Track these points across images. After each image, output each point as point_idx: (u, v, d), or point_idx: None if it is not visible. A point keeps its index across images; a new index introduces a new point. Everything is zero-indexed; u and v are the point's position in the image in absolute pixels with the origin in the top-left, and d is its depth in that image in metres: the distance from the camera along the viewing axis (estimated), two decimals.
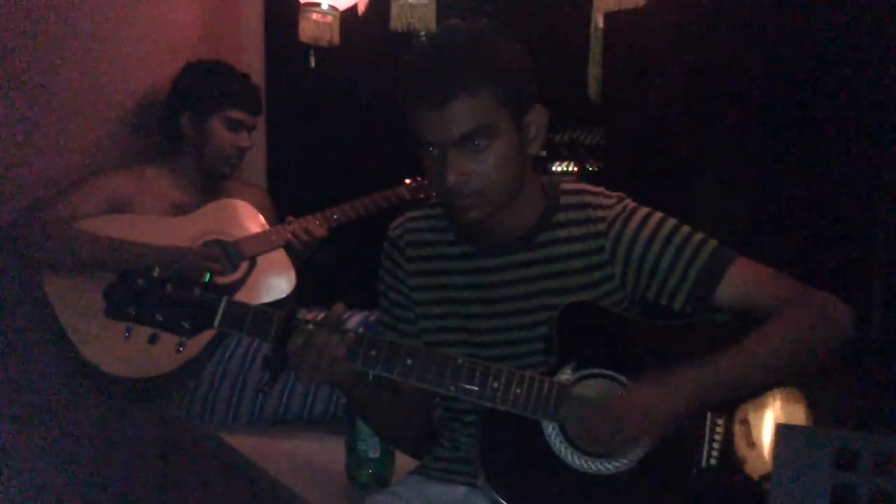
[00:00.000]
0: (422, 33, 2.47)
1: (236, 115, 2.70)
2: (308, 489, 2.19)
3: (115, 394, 2.57)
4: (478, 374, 1.62)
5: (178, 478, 2.70)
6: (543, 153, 3.14)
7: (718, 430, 1.64)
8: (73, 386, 2.61)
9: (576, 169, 4.09)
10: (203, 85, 2.69)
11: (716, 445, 1.63)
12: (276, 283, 2.64)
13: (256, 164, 3.17)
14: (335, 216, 2.75)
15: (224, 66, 2.76)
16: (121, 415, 2.80)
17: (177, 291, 1.68)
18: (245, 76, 2.78)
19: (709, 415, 1.63)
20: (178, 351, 1.69)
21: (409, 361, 1.63)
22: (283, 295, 2.65)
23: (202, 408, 2.57)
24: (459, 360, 1.63)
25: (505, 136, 1.62)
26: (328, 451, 2.30)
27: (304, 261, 2.74)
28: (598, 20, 2.08)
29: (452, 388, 1.63)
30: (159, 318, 1.68)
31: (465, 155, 1.61)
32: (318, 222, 2.73)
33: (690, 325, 1.72)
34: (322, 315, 1.68)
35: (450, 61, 1.59)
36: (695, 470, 1.62)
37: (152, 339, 1.71)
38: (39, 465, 2.81)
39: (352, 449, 2.17)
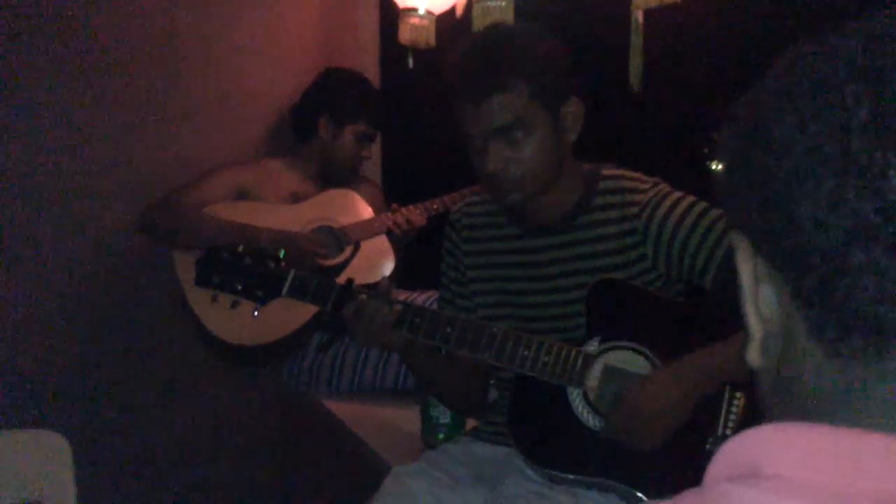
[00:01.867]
0: None
1: (368, 129, 2.98)
2: (390, 451, 2.42)
3: (232, 361, 2.89)
4: (510, 342, 1.80)
5: (287, 436, 2.98)
6: (706, 150, 3.17)
7: (736, 402, 1.73)
8: (198, 355, 2.93)
9: None
10: (346, 94, 2.96)
11: (733, 416, 1.73)
12: (377, 266, 2.86)
13: (372, 159, 3.42)
14: (435, 206, 2.95)
15: (365, 80, 3.04)
16: (239, 381, 3.12)
17: (254, 264, 1.93)
18: (379, 92, 3.04)
19: (727, 386, 1.74)
20: (253, 316, 1.94)
21: (448, 329, 1.82)
22: (383, 277, 2.87)
23: (308, 378, 2.84)
24: (494, 330, 1.81)
25: (541, 128, 1.77)
26: (411, 418, 2.51)
27: (404, 246, 2.95)
28: (639, 16, 2.19)
29: (486, 354, 1.81)
30: (238, 286, 1.92)
31: (503, 145, 1.77)
32: (418, 211, 2.93)
33: (715, 303, 1.82)
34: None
35: (488, 59, 1.75)
36: (711, 439, 1.73)
37: (234, 305, 1.96)
38: (174, 426, 3.15)
39: (425, 415, 2.38)
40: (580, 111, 1.84)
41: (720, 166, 0.63)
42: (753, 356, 0.61)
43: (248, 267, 1.92)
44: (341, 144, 2.97)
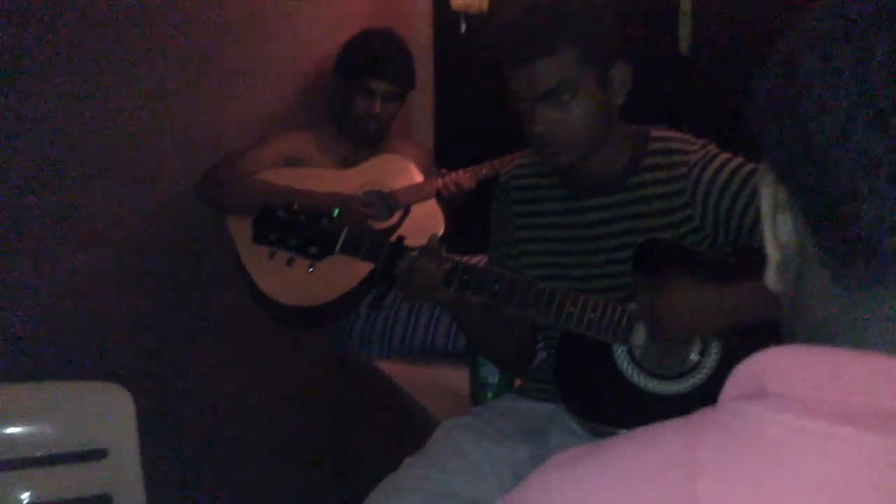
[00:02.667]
0: None
1: (373, 83, 2.91)
2: (440, 410, 2.47)
3: (287, 323, 2.96)
4: (556, 299, 1.84)
5: (341, 397, 3.05)
6: None
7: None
8: (255, 317, 3.00)
9: None
10: (351, 53, 2.98)
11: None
12: (426, 229, 2.89)
13: (425, 124, 3.46)
14: (484, 170, 2.98)
15: (373, 37, 2.99)
16: (295, 343, 3.19)
17: (308, 221, 1.99)
18: (391, 47, 2.97)
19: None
20: (308, 272, 2.00)
21: (496, 286, 1.86)
22: (433, 235, 2.91)
23: (360, 338, 2.91)
24: (541, 287, 1.85)
25: (588, 91, 1.80)
26: (460, 378, 2.56)
27: (454, 210, 3.00)
28: None
29: (533, 310, 1.85)
30: (293, 242, 1.99)
31: (551, 108, 1.79)
32: (467, 175, 2.97)
33: (761, 262, 1.84)
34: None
35: (535, 23, 1.78)
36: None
37: (289, 262, 2.03)
38: (228, 384, 3.24)
39: (474, 375, 2.42)
40: (628, 75, 1.86)
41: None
42: (771, 280, 0.66)
43: (303, 224, 1.98)
44: (348, 102, 2.97)
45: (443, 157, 3.26)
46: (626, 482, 0.57)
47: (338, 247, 1.96)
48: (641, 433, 0.61)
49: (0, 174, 2.90)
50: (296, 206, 2.00)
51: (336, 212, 1.99)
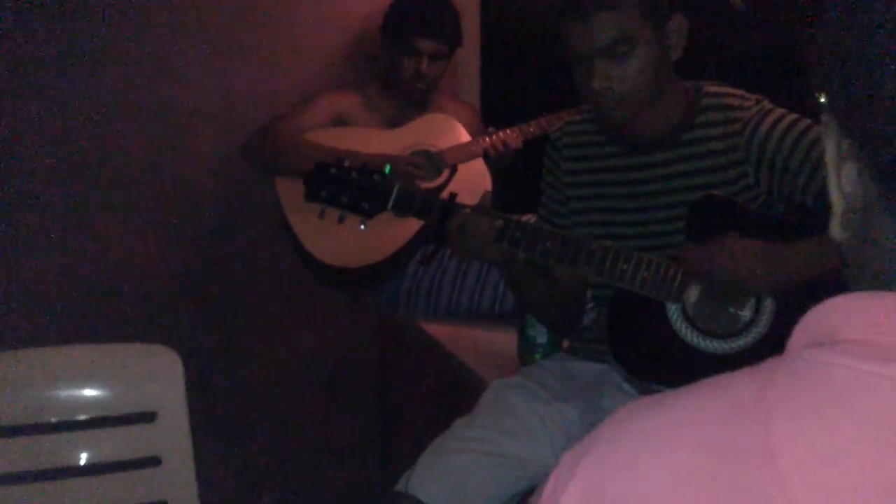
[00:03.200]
0: None
1: (419, 43, 2.86)
2: (488, 370, 2.45)
3: (334, 284, 2.95)
4: (609, 257, 1.81)
5: (389, 358, 3.05)
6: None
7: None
8: (302, 279, 3.00)
9: None
10: (398, 12, 2.93)
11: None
12: (474, 188, 2.87)
13: (471, 83, 3.42)
14: (531, 129, 2.94)
15: None
16: (342, 305, 3.19)
17: (360, 178, 1.96)
18: (436, 7, 2.92)
19: None
20: (360, 229, 1.98)
21: (548, 244, 1.84)
22: (485, 192, 2.89)
23: (406, 300, 2.89)
24: (594, 245, 1.82)
25: (646, 45, 1.76)
26: (507, 340, 2.54)
27: (501, 169, 2.96)
28: None
29: (585, 268, 1.82)
30: (345, 199, 1.96)
31: (609, 63, 1.76)
32: (514, 134, 2.93)
33: (817, 220, 1.80)
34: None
35: None
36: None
37: (341, 219, 2.01)
38: (276, 348, 3.25)
39: (522, 335, 2.40)
40: (684, 27, 1.82)
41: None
42: (835, 230, 0.64)
43: (355, 181, 1.96)
44: (393, 62, 2.93)
45: (489, 115, 3.23)
46: (695, 424, 0.57)
47: (390, 203, 1.94)
48: (710, 382, 0.61)
49: (37, 134, 2.91)
50: (347, 163, 1.98)
51: (387, 168, 1.98)
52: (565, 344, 2.34)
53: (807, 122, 1.81)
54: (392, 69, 2.94)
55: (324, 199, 1.98)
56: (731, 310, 1.80)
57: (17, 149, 2.90)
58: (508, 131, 2.93)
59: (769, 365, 0.59)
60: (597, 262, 1.81)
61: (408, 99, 2.98)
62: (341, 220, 2.01)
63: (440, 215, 1.90)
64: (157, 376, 1.99)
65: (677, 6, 1.82)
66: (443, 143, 2.94)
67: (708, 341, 1.77)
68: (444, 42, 2.92)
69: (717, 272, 1.71)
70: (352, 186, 1.96)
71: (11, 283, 2.89)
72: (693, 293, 1.78)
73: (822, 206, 1.74)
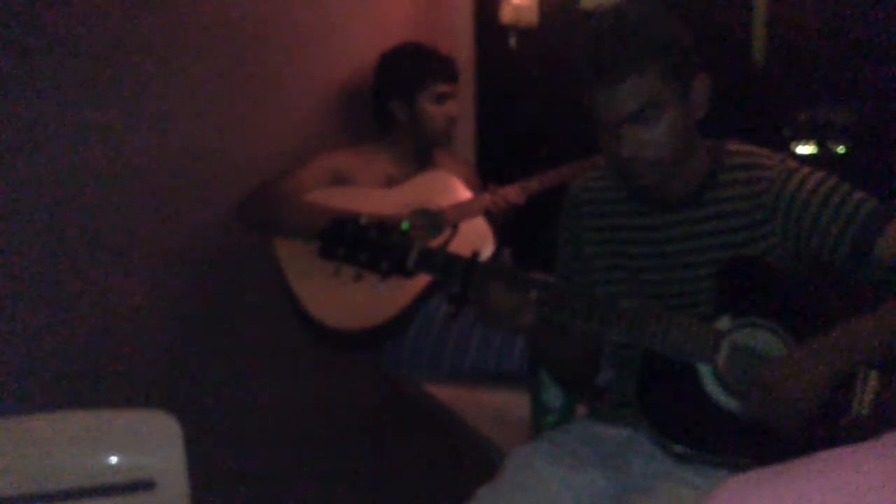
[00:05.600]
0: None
1: (440, 88, 2.92)
2: (497, 434, 2.40)
3: (334, 346, 2.89)
4: (639, 318, 1.76)
5: (388, 420, 2.98)
6: (786, 133, 3.10)
7: (871, 381, 1.69)
8: (299, 340, 2.93)
9: (817, 150, 3.86)
10: (403, 70, 2.94)
11: (868, 396, 1.69)
12: (475, 246, 2.82)
13: (466, 138, 3.39)
14: (532, 185, 2.92)
15: (415, 47, 2.99)
16: (340, 365, 3.13)
17: (379, 236, 1.91)
18: (435, 50, 2.98)
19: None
20: (377, 288, 1.92)
21: (576, 305, 1.79)
22: (483, 258, 2.85)
23: (408, 361, 2.83)
24: (622, 305, 1.78)
25: (673, 107, 1.74)
26: (516, 402, 2.48)
27: (503, 226, 2.93)
28: None
29: (614, 329, 1.77)
30: (363, 258, 1.90)
31: (637, 129, 1.73)
32: (515, 191, 2.91)
33: (846, 280, 1.78)
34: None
35: (617, 44, 1.70)
36: (845, 418, 1.69)
37: (358, 277, 1.95)
38: (278, 410, 3.18)
39: (536, 398, 2.34)
40: (708, 86, 1.81)
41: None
42: None
43: (373, 239, 1.90)
44: (422, 116, 2.93)
45: (484, 172, 3.21)
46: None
47: (410, 262, 1.88)
48: (828, 458, 0.58)
49: (35, 199, 2.85)
50: (364, 221, 1.92)
51: (405, 226, 1.92)
52: (580, 409, 2.31)
53: (834, 178, 1.79)
54: (420, 123, 2.94)
55: (340, 258, 1.92)
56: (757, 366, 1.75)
57: (11, 208, 2.83)
58: (509, 188, 2.91)
59: (893, 440, 0.55)
60: (626, 323, 1.77)
61: (435, 145, 3.00)
62: (358, 278, 1.96)
63: (463, 275, 1.85)
64: (157, 444, 1.92)
65: (699, 62, 1.80)
66: (442, 200, 2.90)
67: (743, 404, 1.72)
68: (457, 80, 2.97)
69: (789, 417, 1.67)
70: (370, 244, 1.91)
71: (4, 345, 2.80)
72: (724, 354, 1.74)
73: (852, 265, 1.75)
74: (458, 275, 1.85)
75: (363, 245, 1.90)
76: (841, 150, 3.52)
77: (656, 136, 1.73)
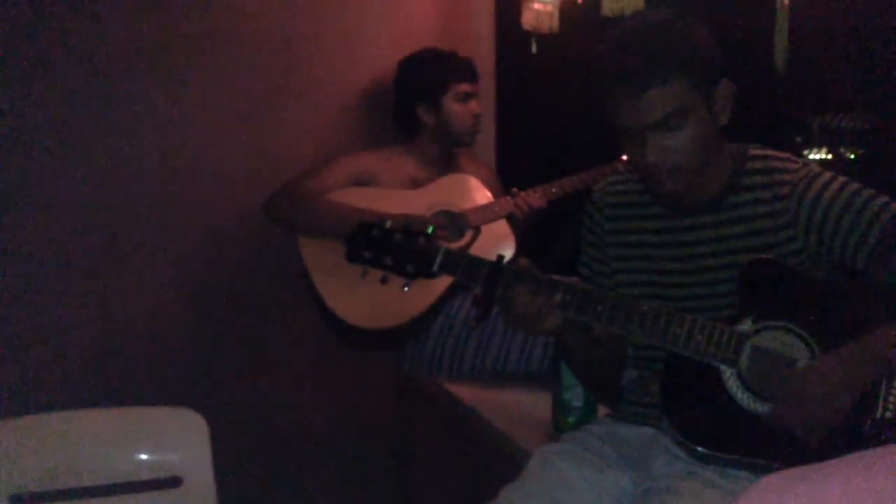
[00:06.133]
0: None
1: (462, 87, 2.99)
2: (519, 434, 2.43)
3: (357, 345, 2.93)
4: (662, 320, 1.79)
5: (410, 420, 3.01)
6: (798, 139, 3.12)
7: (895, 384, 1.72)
8: (323, 339, 2.97)
9: (830, 156, 3.87)
10: (425, 75, 3.00)
11: (893, 399, 1.71)
12: (497, 250, 2.86)
13: (487, 143, 3.43)
14: (554, 189, 2.95)
15: (433, 51, 3.05)
16: (362, 364, 3.16)
17: (404, 240, 1.94)
18: (453, 52, 3.04)
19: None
20: (403, 291, 1.95)
21: (599, 308, 1.81)
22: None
23: (430, 360, 2.86)
24: (645, 308, 1.80)
25: (697, 115, 1.76)
26: (538, 401, 2.52)
27: (525, 230, 2.96)
28: None
29: (638, 331, 1.80)
30: (388, 261, 1.94)
31: (662, 136, 1.75)
32: (538, 195, 2.94)
33: (867, 283, 1.80)
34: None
35: (641, 53, 1.73)
36: (869, 421, 1.70)
37: (383, 280, 1.98)
38: (301, 408, 3.22)
39: (558, 398, 2.38)
40: (731, 92, 1.83)
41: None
42: None
43: (399, 242, 1.93)
44: (448, 117, 3.00)
45: (504, 177, 3.24)
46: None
47: (436, 266, 1.91)
48: (857, 460, 0.59)
49: (58, 201, 2.89)
50: (390, 224, 1.95)
51: (430, 229, 1.95)
52: (601, 410, 2.33)
53: (856, 183, 1.81)
54: (447, 124, 3.00)
55: (367, 261, 1.96)
56: (784, 373, 1.78)
57: (33, 210, 2.86)
58: (531, 192, 2.94)
59: None
60: (649, 325, 1.79)
61: (464, 145, 3.07)
62: (384, 281, 1.99)
63: (487, 278, 1.88)
64: (183, 442, 1.95)
65: (722, 69, 1.82)
66: (465, 203, 2.94)
67: (763, 405, 1.74)
68: (477, 79, 3.05)
69: (809, 427, 1.70)
70: (396, 248, 1.94)
71: (32, 346, 2.84)
72: (746, 357, 1.76)
73: (875, 268, 1.76)
74: (482, 278, 1.88)
75: (389, 249, 1.93)
76: (853, 156, 3.54)
77: (681, 144, 1.76)
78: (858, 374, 1.67)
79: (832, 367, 1.68)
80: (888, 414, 1.71)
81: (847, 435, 1.71)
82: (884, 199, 1.79)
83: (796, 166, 1.86)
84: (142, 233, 3.01)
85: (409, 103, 3.02)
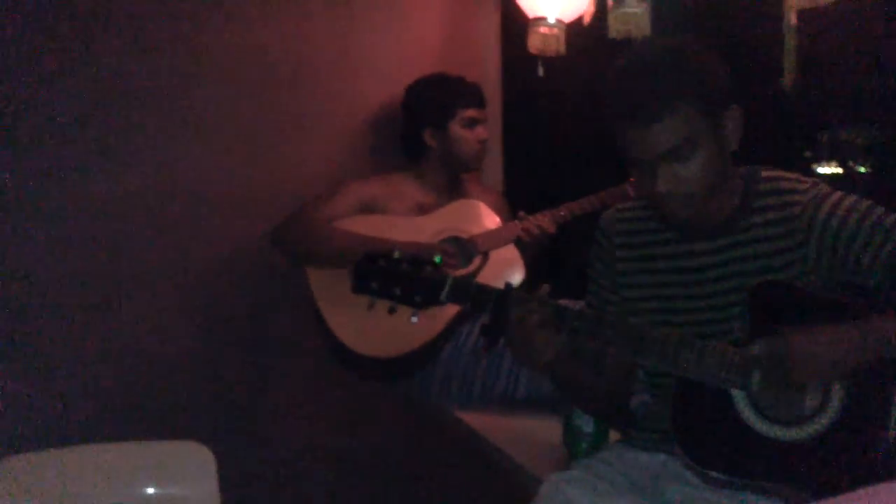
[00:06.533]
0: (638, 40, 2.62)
1: (469, 113, 2.99)
2: (531, 460, 2.40)
3: (365, 375, 2.90)
4: (672, 345, 1.76)
5: (419, 449, 2.98)
6: (808, 154, 3.10)
7: None
8: (330, 369, 2.95)
9: (840, 170, 3.84)
10: (432, 99, 3.00)
11: None
12: (506, 275, 2.85)
13: (494, 167, 3.42)
14: (562, 213, 2.93)
15: (440, 76, 3.06)
16: (370, 393, 3.13)
17: (412, 269, 1.92)
18: (461, 78, 3.05)
19: None
20: (411, 321, 1.93)
21: (609, 332, 1.79)
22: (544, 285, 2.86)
23: (439, 388, 2.84)
24: (655, 333, 1.78)
25: (706, 142, 1.74)
26: (549, 427, 2.49)
27: (534, 255, 2.93)
28: (792, 18, 2.15)
29: (648, 356, 1.77)
30: (396, 291, 1.92)
31: (671, 166, 1.74)
32: (546, 219, 2.92)
33: (877, 303, 1.77)
34: None
35: (648, 85, 1.72)
36: (883, 441, 1.68)
37: (391, 310, 1.96)
38: (311, 438, 3.19)
39: (569, 424, 2.35)
40: (740, 117, 1.81)
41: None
42: None
43: (406, 273, 1.92)
44: (454, 142, 3.00)
45: (511, 201, 3.22)
46: None
47: (443, 295, 1.89)
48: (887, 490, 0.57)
49: (62, 227, 2.88)
50: (397, 255, 1.93)
51: (438, 259, 1.93)
52: (612, 434, 2.30)
53: (866, 202, 1.79)
54: (453, 149, 3.00)
55: (374, 292, 1.94)
56: (797, 395, 1.75)
57: (38, 236, 2.85)
58: (540, 216, 2.92)
59: None
60: (659, 351, 1.77)
61: (469, 171, 3.06)
62: (392, 311, 1.96)
63: (496, 304, 1.85)
64: (191, 475, 1.94)
65: (732, 95, 1.80)
66: (473, 228, 2.92)
67: (777, 429, 1.71)
68: (485, 105, 3.04)
69: (793, 371, 1.67)
70: (403, 278, 1.92)
71: (36, 380, 2.83)
72: (757, 379, 1.74)
73: (888, 287, 1.74)
74: (490, 306, 1.86)
75: (396, 279, 1.91)
76: (863, 169, 3.52)
77: (691, 172, 1.74)
78: (850, 342, 1.66)
79: (822, 329, 1.68)
80: None
81: (859, 456, 1.69)
82: (894, 217, 1.77)
83: (806, 186, 1.84)
84: (146, 262, 2.99)
85: (416, 127, 3.02)
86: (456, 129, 2.97)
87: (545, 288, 1.85)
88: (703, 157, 1.74)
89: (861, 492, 0.58)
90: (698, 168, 1.74)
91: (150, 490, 1.91)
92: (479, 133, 3.01)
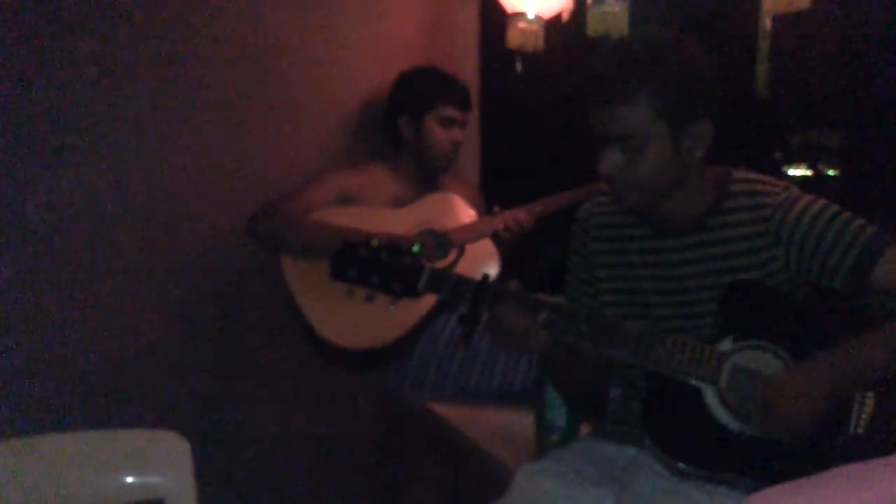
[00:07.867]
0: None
1: (448, 112, 2.98)
2: (503, 452, 2.43)
3: (341, 365, 2.91)
4: (644, 339, 1.80)
5: (392, 440, 3.00)
6: (778, 155, 3.15)
7: (867, 401, 1.74)
8: (305, 359, 2.96)
9: (810, 173, 3.92)
10: (416, 89, 2.99)
11: (864, 416, 1.73)
12: (482, 269, 2.87)
13: (470, 161, 3.44)
14: (538, 208, 2.95)
15: (433, 70, 3.05)
16: (346, 384, 3.15)
17: (390, 258, 1.94)
18: (452, 76, 3.04)
19: None
20: (389, 309, 1.95)
21: (583, 326, 1.82)
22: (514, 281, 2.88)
23: (413, 381, 2.86)
24: (629, 327, 1.82)
25: (658, 146, 1.78)
26: (521, 420, 2.51)
27: (509, 250, 2.96)
28: (767, 23, 2.19)
29: (621, 350, 1.81)
30: (374, 279, 1.94)
31: (619, 152, 1.79)
32: (522, 214, 2.94)
33: (845, 305, 1.82)
34: None
35: (624, 67, 1.76)
36: (842, 438, 1.73)
37: (369, 298, 1.98)
38: (286, 429, 3.20)
39: (541, 417, 2.37)
40: (708, 132, 1.83)
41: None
42: None
43: (384, 261, 1.94)
44: (426, 136, 2.99)
45: (488, 195, 3.24)
46: None
47: (421, 285, 1.92)
48: (844, 474, 0.61)
49: (39, 218, 2.87)
50: (376, 243, 1.95)
51: (416, 248, 1.95)
52: (583, 427, 2.33)
53: (835, 207, 1.84)
54: (424, 143, 2.99)
55: (352, 279, 1.95)
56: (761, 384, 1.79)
57: (14, 228, 2.84)
58: (516, 211, 2.94)
59: None
60: (632, 345, 1.80)
61: (437, 171, 3.03)
62: (370, 298, 1.98)
63: (473, 296, 1.88)
64: (166, 464, 1.94)
65: (708, 111, 1.82)
66: (449, 222, 2.94)
67: (744, 424, 1.76)
68: (468, 109, 3.02)
69: (782, 428, 1.71)
70: (382, 266, 1.94)
71: (12, 369, 2.82)
72: (725, 375, 1.78)
73: (852, 290, 1.78)
74: (468, 297, 1.88)
75: (375, 267, 1.93)
76: (832, 172, 3.58)
77: (636, 165, 1.79)
78: (829, 385, 1.68)
79: (803, 377, 1.70)
80: (860, 431, 1.73)
81: (821, 452, 1.73)
82: (860, 222, 1.81)
83: (778, 189, 1.88)
84: (123, 251, 2.98)
85: (395, 113, 3.03)
86: (431, 123, 2.97)
87: (514, 283, 1.88)
88: (650, 158, 1.78)
89: (815, 477, 0.62)
90: (646, 165, 1.78)
91: (125, 479, 1.91)
92: (454, 134, 3.00)
